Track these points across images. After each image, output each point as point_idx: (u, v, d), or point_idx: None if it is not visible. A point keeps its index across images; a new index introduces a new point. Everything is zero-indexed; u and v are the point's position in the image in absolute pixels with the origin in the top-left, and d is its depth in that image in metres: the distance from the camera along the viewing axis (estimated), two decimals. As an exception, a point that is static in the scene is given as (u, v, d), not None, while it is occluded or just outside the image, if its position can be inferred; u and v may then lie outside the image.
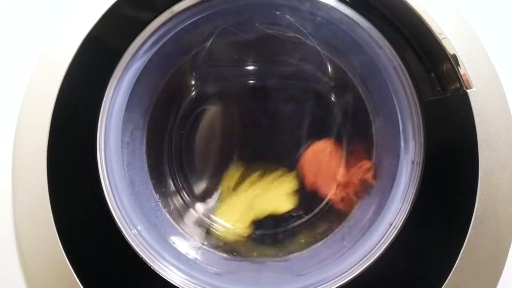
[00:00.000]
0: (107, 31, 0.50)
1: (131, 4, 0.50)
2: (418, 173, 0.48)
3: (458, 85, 0.48)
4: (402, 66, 0.49)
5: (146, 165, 0.63)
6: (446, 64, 0.48)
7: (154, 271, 0.48)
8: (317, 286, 0.49)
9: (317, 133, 0.65)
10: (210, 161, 0.69)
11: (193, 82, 0.68)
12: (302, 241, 0.62)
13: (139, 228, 0.51)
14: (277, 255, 0.61)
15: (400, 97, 0.51)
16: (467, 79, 0.47)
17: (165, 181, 0.66)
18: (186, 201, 0.67)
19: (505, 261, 0.47)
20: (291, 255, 0.60)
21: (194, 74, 0.67)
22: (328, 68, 0.64)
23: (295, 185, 0.64)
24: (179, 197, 0.67)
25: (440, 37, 0.48)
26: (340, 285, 0.47)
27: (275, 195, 0.64)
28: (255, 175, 0.65)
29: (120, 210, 0.50)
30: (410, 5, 0.49)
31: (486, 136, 0.47)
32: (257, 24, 0.61)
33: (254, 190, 0.64)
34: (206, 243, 0.62)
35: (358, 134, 0.65)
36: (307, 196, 0.65)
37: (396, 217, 0.49)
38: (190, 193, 0.68)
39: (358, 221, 0.59)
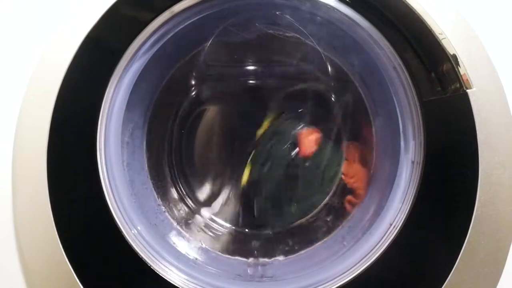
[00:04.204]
0: (107, 31, 0.50)
1: (131, 4, 0.50)
2: (418, 173, 0.48)
3: (458, 85, 0.48)
4: (402, 66, 0.49)
5: (146, 165, 0.63)
6: (446, 64, 0.48)
7: (154, 271, 0.48)
8: (317, 286, 0.49)
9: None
10: (210, 161, 0.69)
11: (193, 82, 0.67)
12: (302, 241, 0.62)
13: (139, 228, 0.51)
14: (277, 255, 0.61)
15: (400, 97, 0.51)
16: (467, 79, 0.47)
17: (165, 181, 0.66)
18: (186, 201, 0.67)
19: (505, 261, 0.47)
20: (291, 256, 0.60)
21: (194, 74, 0.67)
22: (328, 68, 0.64)
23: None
24: (179, 197, 0.67)
25: (440, 37, 0.48)
26: (340, 285, 0.47)
27: None
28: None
29: (120, 210, 0.50)
30: (410, 5, 0.49)
31: (486, 136, 0.47)
32: (257, 24, 0.61)
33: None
34: (206, 243, 0.62)
35: (358, 134, 0.65)
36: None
37: (396, 217, 0.49)
38: (190, 193, 0.68)
39: (358, 221, 0.59)
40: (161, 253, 0.51)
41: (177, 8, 0.51)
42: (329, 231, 0.61)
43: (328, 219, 0.64)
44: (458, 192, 0.47)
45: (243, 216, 0.67)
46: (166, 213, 0.63)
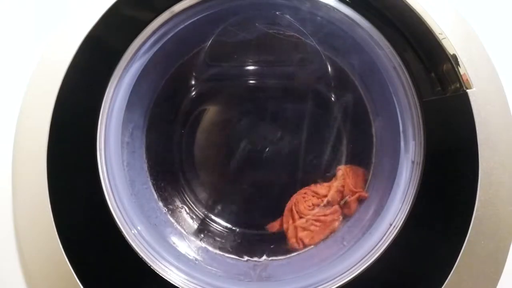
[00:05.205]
0: (107, 31, 0.50)
1: (131, 4, 0.50)
2: (418, 173, 0.48)
3: (458, 85, 0.48)
4: (402, 66, 0.49)
5: (146, 165, 0.63)
6: (446, 64, 0.48)
7: (154, 271, 0.48)
8: (317, 286, 0.49)
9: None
10: (210, 161, 0.69)
11: (193, 82, 0.68)
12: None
13: (139, 228, 0.51)
14: (277, 255, 0.61)
15: (400, 97, 0.51)
16: (467, 79, 0.47)
17: (165, 181, 0.66)
18: (186, 201, 0.67)
19: (505, 261, 0.47)
20: (291, 255, 0.60)
21: (194, 74, 0.67)
22: (328, 68, 0.64)
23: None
24: (179, 197, 0.67)
25: (440, 37, 0.48)
26: (340, 285, 0.47)
27: None
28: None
29: (120, 210, 0.50)
30: (410, 5, 0.49)
31: (486, 136, 0.47)
32: (257, 24, 0.61)
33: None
34: (206, 243, 0.62)
35: (358, 134, 0.65)
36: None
37: (396, 217, 0.49)
38: (191, 193, 0.68)
39: (358, 221, 0.59)
40: (161, 253, 0.51)
41: (177, 8, 0.51)
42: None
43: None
44: (458, 192, 0.47)
45: (243, 216, 0.67)
46: (166, 213, 0.63)
